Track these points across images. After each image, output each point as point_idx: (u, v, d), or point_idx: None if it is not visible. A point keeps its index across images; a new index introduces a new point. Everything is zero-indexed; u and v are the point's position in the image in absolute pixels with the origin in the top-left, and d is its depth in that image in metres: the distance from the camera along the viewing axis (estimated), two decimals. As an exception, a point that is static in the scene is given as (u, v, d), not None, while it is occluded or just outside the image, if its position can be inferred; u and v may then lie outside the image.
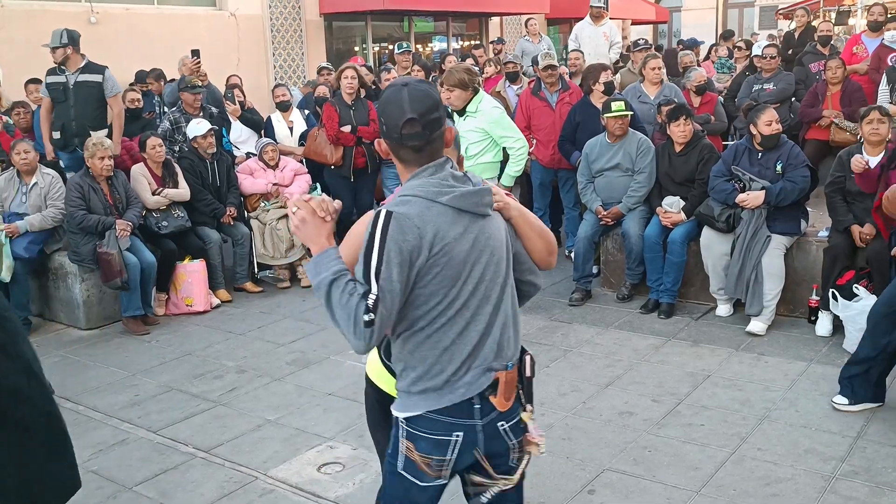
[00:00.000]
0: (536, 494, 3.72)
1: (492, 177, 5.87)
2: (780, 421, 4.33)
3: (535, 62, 8.92)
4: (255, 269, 7.29)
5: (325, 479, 4.00)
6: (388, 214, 2.07)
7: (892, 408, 4.43)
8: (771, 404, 4.54)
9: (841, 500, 3.59)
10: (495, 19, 17.12)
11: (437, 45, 17.42)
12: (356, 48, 15.34)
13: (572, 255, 6.80)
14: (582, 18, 10.55)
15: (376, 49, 15.55)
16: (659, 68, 7.21)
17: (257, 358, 5.66)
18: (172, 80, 8.94)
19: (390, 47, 15.47)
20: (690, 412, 4.49)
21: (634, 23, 22.41)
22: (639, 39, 9.39)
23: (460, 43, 16.85)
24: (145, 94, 8.75)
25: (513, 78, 8.81)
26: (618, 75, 8.66)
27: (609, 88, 6.80)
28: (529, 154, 7.32)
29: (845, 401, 4.41)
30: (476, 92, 5.62)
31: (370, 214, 2.16)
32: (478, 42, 15.84)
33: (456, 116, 5.80)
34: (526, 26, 11.82)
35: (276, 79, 12.30)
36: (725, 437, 4.18)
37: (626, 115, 6.17)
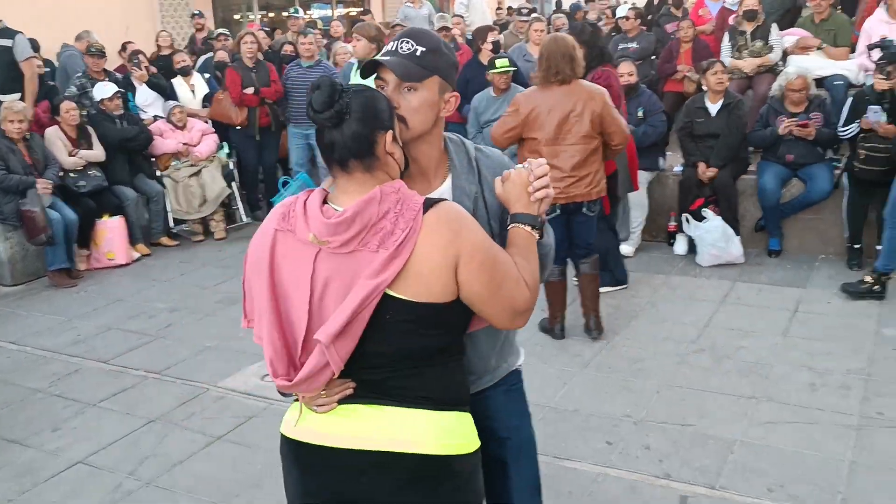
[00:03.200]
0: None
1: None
2: (645, 319, 5.26)
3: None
4: (171, 224, 7.73)
5: (270, 385, 4.63)
6: None
7: (733, 302, 5.44)
8: (638, 308, 5.46)
9: (690, 368, 4.53)
10: (377, -14, 17.60)
11: (318, 11, 17.76)
12: (237, 16, 15.57)
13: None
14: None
15: (260, 15, 15.82)
16: (541, 31, 8.03)
17: (186, 299, 6.18)
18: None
19: (281, 14, 15.80)
20: (573, 317, 5.35)
21: (509, -12, 23.24)
22: (522, 8, 10.18)
23: (345, 10, 17.28)
24: (46, 62, 8.92)
25: (400, 41, 9.44)
26: (501, 37, 9.43)
27: (496, 47, 7.56)
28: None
29: None
30: (380, 51, 6.26)
31: None
32: (364, 8, 16.29)
33: (357, 72, 6.43)
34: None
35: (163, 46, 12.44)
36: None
37: (510, 71, 6.94)
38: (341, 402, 1.86)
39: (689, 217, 6.30)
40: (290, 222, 1.83)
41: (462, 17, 10.32)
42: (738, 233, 6.26)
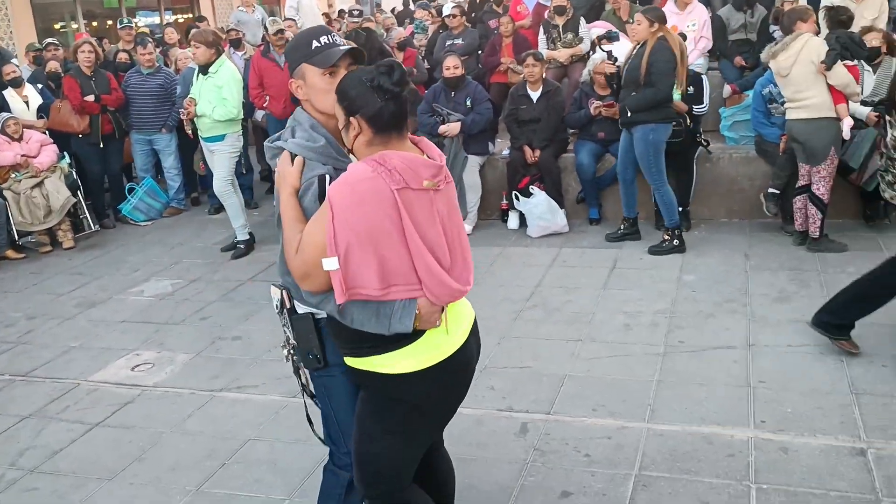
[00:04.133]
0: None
1: (234, 132, 6.86)
2: (484, 285, 5.85)
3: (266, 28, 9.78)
4: (16, 237, 7.64)
5: (141, 375, 4.89)
6: None
7: (560, 265, 6.13)
8: (478, 276, 5.89)
9: (525, 322, 5.16)
10: (205, -9, 17.54)
11: (145, 19, 17.47)
12: (57, 25, 15.15)
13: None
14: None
15: (83, 24, 15.45)
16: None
17: (43, 307, 6.23)
18: None
19: (105, 23, 15.47)
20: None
21: (338, -9, 23.60)
22: (353, 9, 10.62)
23: (173, 17, 17.11)
24: None
25: (236, 44, 9.66)
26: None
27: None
28: (265, 108, 8.35)
29: None
30: (219, 54, 6.55)
31: None
32: (198, 14, 16.22)
33: (200, 75, 6.68)
34: (240, -3, 12.58)
35: (-16, 59, 12.01)
36: (447, 301, 5.59)
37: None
38: None
39: (519, 194, 6.97)
40: (399, 180, 2.18)
41: (294, 20, 10.63)
42: (562, 206, 6.98)
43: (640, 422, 3.90)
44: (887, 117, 4.73)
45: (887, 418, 3.74)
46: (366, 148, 2.27)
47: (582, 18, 8.52)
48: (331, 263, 2.18)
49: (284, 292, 2.50)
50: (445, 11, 10.72)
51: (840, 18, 6.40)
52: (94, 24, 15.96)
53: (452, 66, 7.12)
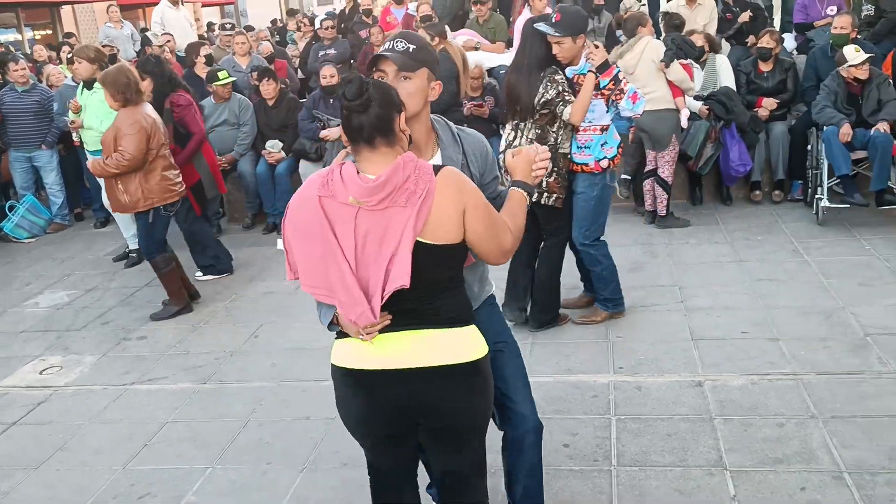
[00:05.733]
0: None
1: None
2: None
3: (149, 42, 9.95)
4: None
5: (50, 377, 5.10)
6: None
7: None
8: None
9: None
10: (66, 8, 17.26)
11: (2, 36, 17.04)
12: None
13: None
14: (155, 4, 11.73)
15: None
16: (244, 43, 8.83)
17: (-66, 324, 6.27)
18: None
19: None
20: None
21: (204, 5, 23.59)
22: (225, 23, 10.89)
23: (34, 33, 16.77)
24: None
25: (112, 60, 9.76)
26: (211, 50, 10.09)
27: (210, 60, 8.26)
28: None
29: None
30: (103, 69, 6.74)
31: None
32: (51, 31, 15.98)
33: (84, 90, 6.87)
34: (107, 13, 12.59)
35: None
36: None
37: (230, 82, 7.72)
38: (389, 330, 2.29)
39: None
40: (330, 189, 2.27)
41: (171, 35, 10.81)
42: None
43: (518, 377, 4.47)
44: (521, 123, 4.80)
45: (719, 357, 4.47)
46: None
47: (447, 27, 9.10)
48: (280, 244, 2.43)
49: None
50: (317, 24, 11.17)
51: (674, 23, 7.29)
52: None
53: (329, 75, 7.57)
